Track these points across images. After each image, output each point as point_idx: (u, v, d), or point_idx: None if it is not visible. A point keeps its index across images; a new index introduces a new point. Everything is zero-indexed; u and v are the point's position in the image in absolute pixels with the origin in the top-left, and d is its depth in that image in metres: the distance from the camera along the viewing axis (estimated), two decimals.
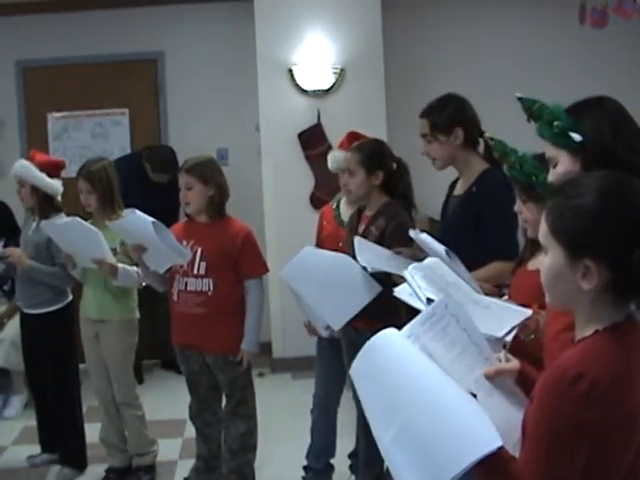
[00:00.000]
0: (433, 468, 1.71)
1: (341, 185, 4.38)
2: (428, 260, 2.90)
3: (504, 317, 2.53)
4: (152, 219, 4.02)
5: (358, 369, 1.90)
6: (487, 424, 1.77)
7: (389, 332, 1.91)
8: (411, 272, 2.75)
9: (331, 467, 4.61)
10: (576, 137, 2.18)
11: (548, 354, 2.36)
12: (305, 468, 4.62)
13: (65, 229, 4.45)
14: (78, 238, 4.40)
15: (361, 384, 1.90)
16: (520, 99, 2.33)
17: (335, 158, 4.56)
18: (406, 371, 1.84)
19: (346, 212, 4.47)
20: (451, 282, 2.73)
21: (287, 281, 4.03)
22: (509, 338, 2.48)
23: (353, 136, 4.50)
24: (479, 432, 1.75)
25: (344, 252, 4.00)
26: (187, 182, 4.20)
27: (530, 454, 1.72)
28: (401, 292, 2.78)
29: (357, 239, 3.74)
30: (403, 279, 2.80)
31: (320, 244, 4.52)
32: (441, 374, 1.85)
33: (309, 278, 3.87)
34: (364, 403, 1.88)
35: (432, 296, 2.60)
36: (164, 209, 5.28)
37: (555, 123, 2.21)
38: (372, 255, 3.62)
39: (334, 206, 4.62)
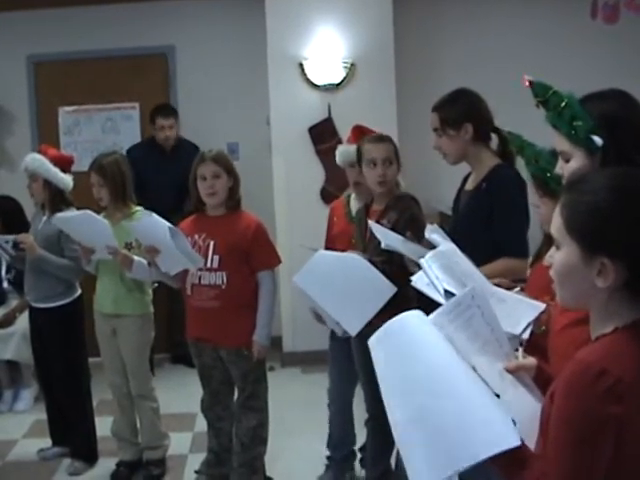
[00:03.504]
0: (446, 455, 1.69)
1: (350, 179, 4.40)
2: (443, 246, 2.89)
3: (519, 312, 2.52)
4: (169, 224, 4.05)
5: (379, 342, 1.87)
6: (508, 422, 1.76)
7: (416, 313, 1.90)
8: (428, 261, 2.73)
9: (353, 455, 4.65)
10: (597, 141, 2.13)
11: (553, 349, 2.35)
12: (328, 457, 4.67)
13: (77, 222, 4.47)
14: (90, 230, 4.44)
15: (380, 358, 1.87)
16: (530, 83, 2.26)
17: (344, 153, 4.53)
18: (431, 353, 1.82)
19: (356, 207, 4.47)
20: (466, 271, 2.72)
21: (300, 288, 4.00)
22: (526, 335, 2.47)
23: (359, 130, 4.50)
24: (499, 428, 1.73)
25: (356, 249, 4.02)
26: (215, 171, 4.19)
27: (555, 451, 1.70)
28: (418, 281, 2.77)
29: (372, 224, 3.69)
30: (417, 265, 2.79)
31: (331, 241, 4.52)
32: (466, 365, 1.83)
33: (323, 284, 3.85)
34: (381, 379, 1.85)
35: (450, 288, 2.59)
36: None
37: (575, 123, 2.15)
38: (388, 236, 3.59)
39: (345, 202, 4.61)
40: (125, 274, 4.55)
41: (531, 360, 2.01)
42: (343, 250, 4.11)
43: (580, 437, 1.66)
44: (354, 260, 3.84)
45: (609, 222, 1.72)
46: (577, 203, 1.76)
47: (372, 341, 1.89)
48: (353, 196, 4.55)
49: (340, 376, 4.58)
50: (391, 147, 4.09)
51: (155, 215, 4.15)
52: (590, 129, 2.15)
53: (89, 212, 4.42)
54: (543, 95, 2.24)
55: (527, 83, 2.27)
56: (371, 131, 4.41)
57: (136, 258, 4.46)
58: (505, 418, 1.77)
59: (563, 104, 2.20)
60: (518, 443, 1.71)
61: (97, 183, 4.62)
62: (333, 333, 4.49)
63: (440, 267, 2.67)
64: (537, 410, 1.85)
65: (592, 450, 1.66)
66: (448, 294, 2.56)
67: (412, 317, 1.89)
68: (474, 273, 2.74)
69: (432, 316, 1.90)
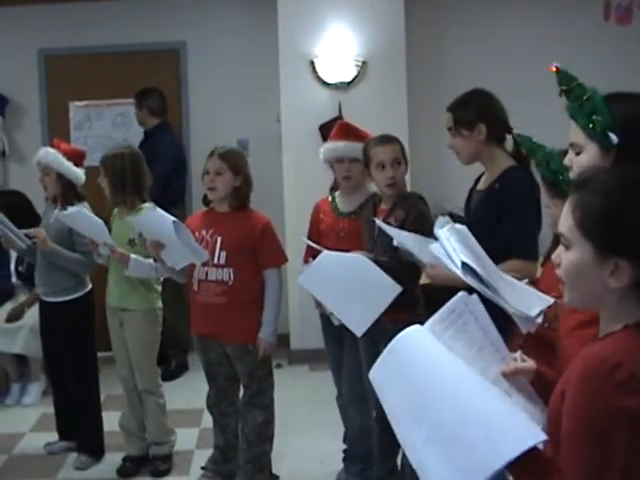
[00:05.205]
0: (473, 463, 1.66)
1: (338, 175, 4.43)
2: (457, 225, 2.90)
3: (529, 299, 2.52)
4: (173, 218, 4.05)
5: (381, 371, 1.86)
6: (527, 418, 1.74)
7: (413, 329, 1.88)
8: (446, 233, 2.74)
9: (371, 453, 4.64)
10: (613, 138, 2.11)
11: (562, 350, 2.35)
12: (344, 451, 4.64)
13: (74, 218, 4.50)
14: (88, 227, 4.49)
15: (384, 386, 1.86)
16: (557, 71, 2.24)
17: (332, 149, 4.42)
18: (436, 366, 1.80)
19: (343, 202, 4.46)
20: (478, 253, 2.73)
21: (306, 288, 4.02)
22: (539, 320, 2.47)
23: (345, 127, 4.49)
24: (522, 425, 1.71)
25: (347, 242, 4.13)
26: (218, 167, 4.20)
27: (569, 446, 1.68)
28: (435, 250, 2.78)
29: (381, 224, 3.68)
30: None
31: (316, 236, 4.48)
32: (471, 370, 1.81)
33: (328, 284, 3.86)
34: (388, 405, 1.83)
35: (467, 260, 2.59)
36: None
37: (594, 117, 2.14)
38: (400, 235, 3.59)
39: (331, 199, 4.57)
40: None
41: (530, 363, 1.98)
42: (330, 245, 4.15)
43: (596, 430, 1.65)
44: (359, 260, 3.84)
45: (625, 223, 1.71)
46: (590, 203, 1.74)
47: (372, 374, 1.88)
48: (338, 193, 4.54)
49: (340, 368, 4.56)
50: (398, 147, 4.07)
51: (159, 209, 4.16)
52: (608, 125, 2.13)
53: (83, 210, 4.46)
54: (567, 84, 2.22)
55: (554, 69, 2.24)
56: (357, 129, 4.41)
57: (133, 256, 4.46)
58: (523, 415, 1.75)
59: (585, 97, 2.18)
60: (544, 437, 1.69)
61: (101, 173, 4.66)
62: (326, 328, 4.50)
63: (458, 240, 2.67)
64: (534, 415, 1.83)
65: (608, 443, 1.64)
66: (465, 266, 2.56)
67: (408, 335, 1.87)
68: (484, 256, 2.75)
69: (427, 325, 1.89)
